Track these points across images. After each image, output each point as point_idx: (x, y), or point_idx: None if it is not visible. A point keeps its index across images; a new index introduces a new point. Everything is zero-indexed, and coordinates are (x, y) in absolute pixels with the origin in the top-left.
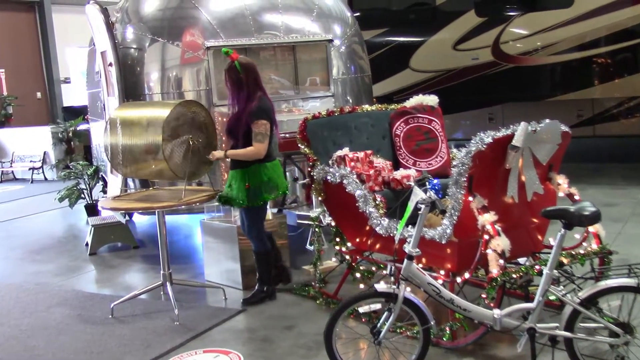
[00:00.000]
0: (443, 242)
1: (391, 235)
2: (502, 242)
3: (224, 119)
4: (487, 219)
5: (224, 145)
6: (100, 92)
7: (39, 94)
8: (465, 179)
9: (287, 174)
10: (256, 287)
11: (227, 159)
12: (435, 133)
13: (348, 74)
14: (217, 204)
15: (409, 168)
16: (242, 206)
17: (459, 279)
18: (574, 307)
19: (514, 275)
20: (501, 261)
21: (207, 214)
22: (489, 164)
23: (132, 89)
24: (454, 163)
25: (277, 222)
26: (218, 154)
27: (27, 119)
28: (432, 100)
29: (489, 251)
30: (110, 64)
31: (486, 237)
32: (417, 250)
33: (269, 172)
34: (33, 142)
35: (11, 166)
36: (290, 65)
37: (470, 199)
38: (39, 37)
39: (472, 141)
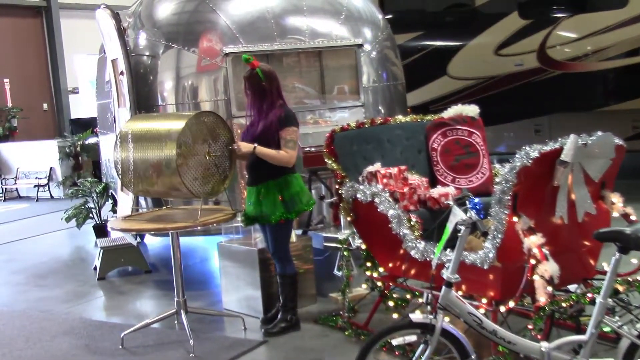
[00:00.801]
0: (485, 267)
1: (428, 259)
2: (550, 268)
3: (241, 131)
4: (533, 242)
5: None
6: (111, 103)
7: (45, 105)
8: (509, 198)
9: (313, 191)
10: (279, 316)
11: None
12: (476, 147)
13: (379, 82)
14: (236, 224)
15: (447, 185)
16: (278, 221)
17: (502, 308)
18: (631, 340)
19: (564, 304)
20: (549, 288)
21: (225, 236)
22: (536, 181)
23: (144, 100)
24: (497, 180)
25: (301, 245)
26: (245, 147)
27: (33, 133)
28: (472, 110)
29: (535, 277)
30: (122, 73)
31: (533, 261)
32: (457, 276)
33: (300, 182)
34: (38, 157)
35: (15, 183)
36: (316, 72)
37: (515, 219)
38: (46, 44)
39: (516, 156)
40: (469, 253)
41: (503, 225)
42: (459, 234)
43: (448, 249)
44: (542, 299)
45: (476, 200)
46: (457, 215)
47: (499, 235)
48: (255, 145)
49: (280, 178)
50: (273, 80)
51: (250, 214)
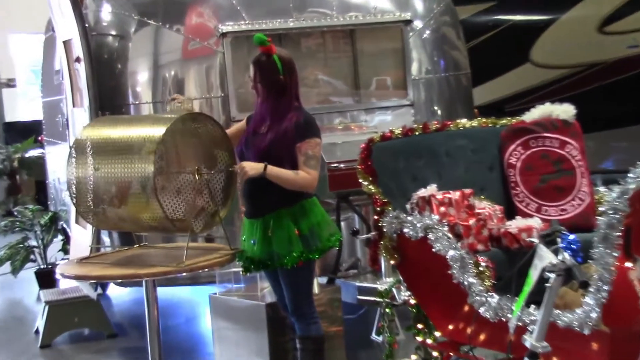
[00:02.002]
0: (586, 332)
1: (503, 320)
2: None
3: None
4: None
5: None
6: (63, 102)
7: None
8: (619, 234)
9: (342, 224)
10: None
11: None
12: (571, 162)
13: (435, 72)
14: (236, 269)
15: (531, 216)
16: (296, 264)
17: None
18: None
19: None
20: None
21: (220, 286)
22: None
23: (109, 97)
24: (602, 209)
25: (327, 299)
26: (252, 168)
27: None
28: (566, 111)
29: None
30: (78, 60)
31: None
32: (545, 344)
33: (321, 209)
34: None
35: None
36: (347, 59)
37: (629, 264)
38: None
39: (630, 174)
40: (562, 312)
41: (611, 272)
42: (548, 285)
43: (532, 306)
44: None
45: (571, 237)
46: (545, 258)
47: (605, 287)
48: (266, 164)
49: (296, 205)
50: (293, 74)
51: (255, 257)
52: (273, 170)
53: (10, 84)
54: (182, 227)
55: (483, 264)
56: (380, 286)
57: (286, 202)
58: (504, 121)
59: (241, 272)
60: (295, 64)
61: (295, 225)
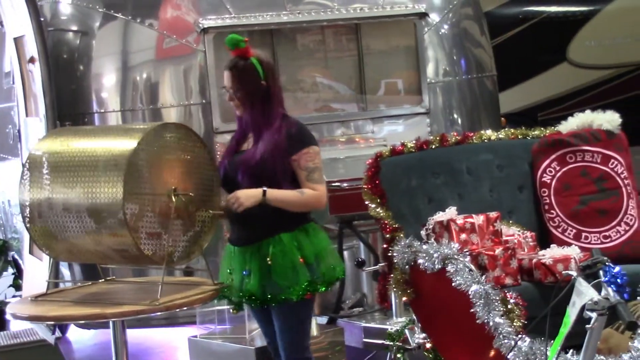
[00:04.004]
0: None
1: None
2: None
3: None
4: None
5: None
6: (13, 109)
7: None
8: None
9: (345, 254)
10: None
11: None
12: (616, 180)
13: (455, 75)
14: (220, 307)
15: (568, 244)
16: (303, 297)
17: None
18: None
19: None
20: None
21: (200, 327)
22: None
23: (69, 104)
24: None
25: (327, 342)
26: (248, 198)
27: None
28: (609, 120)
29: None
30: (32, 60)
31: None
32: None
33: (323, 235)
34: None
35: None
36: (351, 59)
37: None
38: None
39: None
40: (605, 357)
41: None
42: (589, 326)
43: (571, 351)
44: None
45: (616, 269)
46: (585, 294)
47: None
48: (265, 189)
49: (298, 228)
50: (276, 78)
51: (251, 292)
52: (273, 193)
53: None
54: (156, 258)
55: (512, 300)
56: (391, 327)
57: (287, 225)
58: (536, 132)
59: (231, 311)
60: (274, 66)
61: (300, 252)
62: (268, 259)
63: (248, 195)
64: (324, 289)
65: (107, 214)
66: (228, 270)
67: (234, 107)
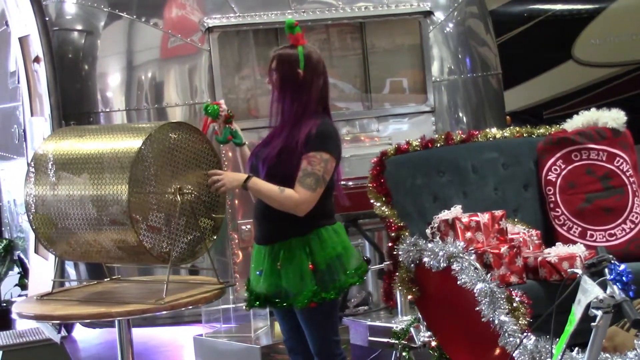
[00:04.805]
0: None
1: None
2: None
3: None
4: None
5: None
6: (18, 109)
7: None
8: None
9: None
10: None
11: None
12: (622, 178)
13: (460, 73)
14: (225, 306)
15: (574, 242)
16: (307, 306)
17: None
18: None
19: None
20: None
21: (206, 326)
22: None
23: (75, 104)
24: None
25: None
26: (231, 180)
27: None
28: (615, 118)
29: None
30: (37, 59)
31: None
32: None
33: (345, 238)
34: None
35: None
36: (355, 58)
37: None
38: None
39: None
40: (611, 355)
41: None
42: (594, 324)
43: (576, 349)
44: None
45: (622, 267)
46: (590, 292)
47: None
48: (250, 175)
49: (311, 233)
50: (318, 74)
51: (262, 292)
52: (256, 183)
53: None
54: (161, 256)
55: (517, 299)
56: (396, 326)
57: (299, 229)
58: (542, 130)
59: (244, 307)
60: (325, 67)
61: (310, 258)
62: (278, 263)
63: (232, 179)
64: (333, 296)
65: (112, 212)
66: (252, 266)
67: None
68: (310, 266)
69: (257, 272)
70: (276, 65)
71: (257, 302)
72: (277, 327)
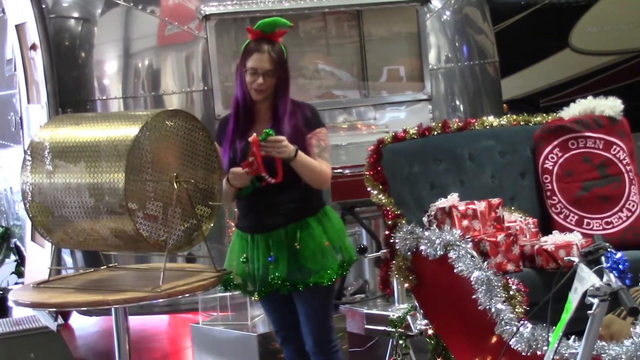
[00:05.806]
0: None
1: (538, 353)
2: None
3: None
4: None
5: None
6: (15, 97)
7: None
8: None
9: None
10: None
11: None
12: (618, 166)
13: (457, 61)
14: (222, 294)
15: (570, 230)
16: (333, 281)
17: None
18: None
19: None
20: None
21: (203, 314)
22: None
23: (71, 91)
24: None
25: None
26: (291, 149)
27: None
28: (612, 106)
29: None
30: (34, 47)
31: None
32: None
33: (338, 217)
34: None
35: None
36: (352, 46)
37: None
38: None
39: None
40: (607, 343)
41: None
42: (591, 312)
43: (572, 337)
44: None
45: (618, 255)
46: (587, 280)
47: None
48: (297, 147)
49: (320, 211)
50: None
51: (281, 277)
52: (303, 156)
53: None
54: (158, 244)
55: (514, 287)
56: (393, 313)
57: (311, 209)
58: (539, 118)
59: (253, 299)
60: None
61: (325, 235)
62: (296, 243)
63: (290, 147)
64: (347, 270)
65: (109, 200)
66: (242, 260)
67: (256, 90)
68: (326, 242)
69: (269, 259)
70: (275, 66)
71: (284, 284)
72: None
